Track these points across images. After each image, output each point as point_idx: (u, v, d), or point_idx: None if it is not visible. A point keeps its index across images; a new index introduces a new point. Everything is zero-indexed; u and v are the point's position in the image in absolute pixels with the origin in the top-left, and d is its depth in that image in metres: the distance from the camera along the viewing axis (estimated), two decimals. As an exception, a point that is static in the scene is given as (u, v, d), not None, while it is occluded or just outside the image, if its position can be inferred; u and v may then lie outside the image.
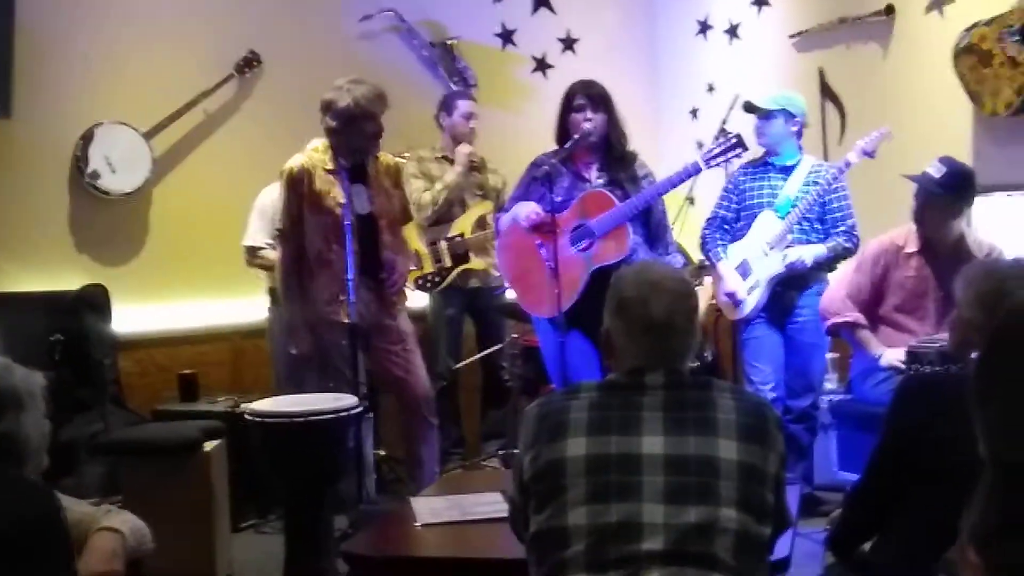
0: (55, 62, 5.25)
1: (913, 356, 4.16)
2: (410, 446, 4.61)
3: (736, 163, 4.70)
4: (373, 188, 4.41)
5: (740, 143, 4.29)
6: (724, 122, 5.43)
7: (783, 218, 4.54)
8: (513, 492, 2.25)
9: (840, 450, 4.91)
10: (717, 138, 4.15)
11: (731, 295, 4.63)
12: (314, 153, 4.40)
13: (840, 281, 4.65)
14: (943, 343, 3.82)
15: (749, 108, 4.68)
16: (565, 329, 4.20)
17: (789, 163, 4.66)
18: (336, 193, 4.31)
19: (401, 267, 4.50)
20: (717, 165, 4.35)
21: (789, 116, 4.62)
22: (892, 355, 4.35)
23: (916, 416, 2.40)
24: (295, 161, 4.38)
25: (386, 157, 4.53)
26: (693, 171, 4.23)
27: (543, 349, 4.52)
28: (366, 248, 4.31)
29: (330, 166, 4.35)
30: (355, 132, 4.29)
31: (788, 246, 4.55)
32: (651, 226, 4.31)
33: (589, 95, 4.31)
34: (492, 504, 2.92)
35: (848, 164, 4.49)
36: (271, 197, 4.92)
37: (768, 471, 2.08)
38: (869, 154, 4.44)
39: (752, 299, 4.61)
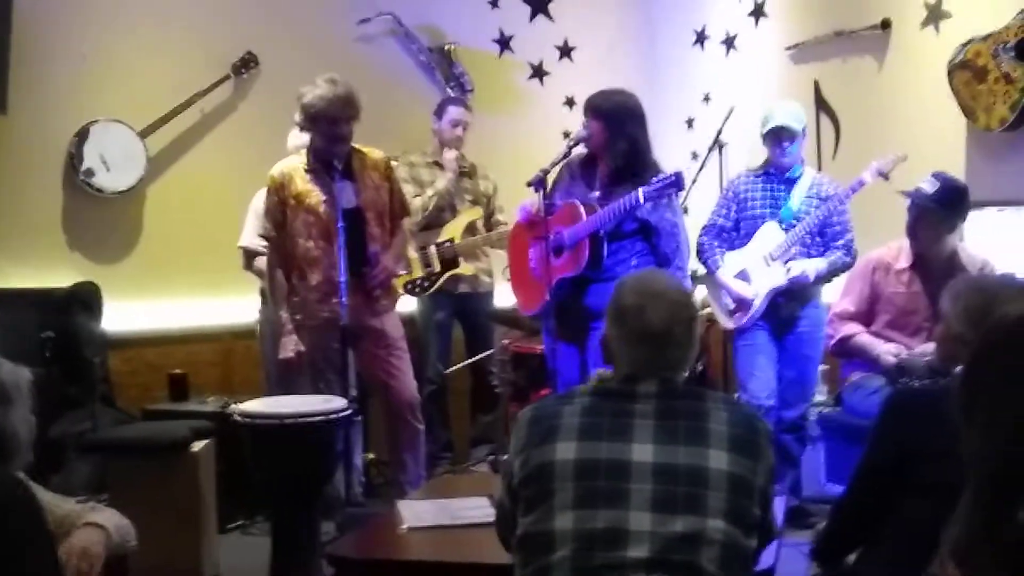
0: (51, 59, 5.25)
1: (901, 369, 4.17)
2: (394, 450, 4.61)
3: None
4: (359, 182, 4.42)
5: (677, 183, 4.09)
6: (719, 132, 5.44)
7: (787, 231, 4.54)
8: (502, 496, 2.25)
9: (828, 462, 4.90)
10: (659, 174, 4.09)
11: (741, 300, 4.61)
12: (295, 157, 4.48)
13: (833, 304, 4.65)
14: (931, 356, 3.82)
15: (780, 132, 4.55)
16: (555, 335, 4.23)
17: (791, 174, 4.63)
18: (317, 191, 4.34)
19: (385, 261, 4.46)
20: (654, 199, 4.13)
21: (804, 130, 4.63)
22: (888, 349, 4.36)
23: (903, 429, 2.40)
24: (276, 168, 4.45)
25: (373, 152, 4.54)
26: (634, 201, 4.10)
27: (547, 354, 4.52)
28: (352, 242, 4.29)
29: (309, 166, 4.39)
30: (319, 131, 4.33)
31: (790, 259, 4.55)
32: (656, 247, 4.27)
33: (587, 103, 4.32)
34: (478, 508, 2.93)
35: (862, 183, 4.41)
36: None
37: (756, 483, 2.08)
38: (884, 175, 4.41)
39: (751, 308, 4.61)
